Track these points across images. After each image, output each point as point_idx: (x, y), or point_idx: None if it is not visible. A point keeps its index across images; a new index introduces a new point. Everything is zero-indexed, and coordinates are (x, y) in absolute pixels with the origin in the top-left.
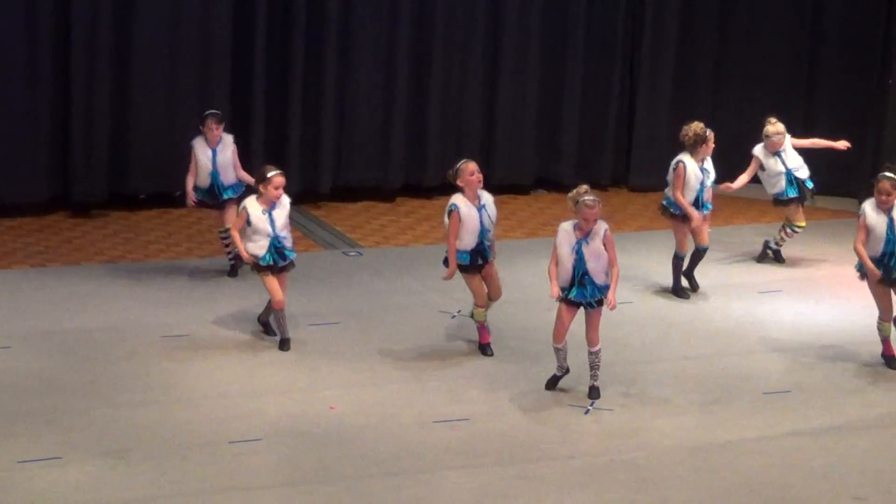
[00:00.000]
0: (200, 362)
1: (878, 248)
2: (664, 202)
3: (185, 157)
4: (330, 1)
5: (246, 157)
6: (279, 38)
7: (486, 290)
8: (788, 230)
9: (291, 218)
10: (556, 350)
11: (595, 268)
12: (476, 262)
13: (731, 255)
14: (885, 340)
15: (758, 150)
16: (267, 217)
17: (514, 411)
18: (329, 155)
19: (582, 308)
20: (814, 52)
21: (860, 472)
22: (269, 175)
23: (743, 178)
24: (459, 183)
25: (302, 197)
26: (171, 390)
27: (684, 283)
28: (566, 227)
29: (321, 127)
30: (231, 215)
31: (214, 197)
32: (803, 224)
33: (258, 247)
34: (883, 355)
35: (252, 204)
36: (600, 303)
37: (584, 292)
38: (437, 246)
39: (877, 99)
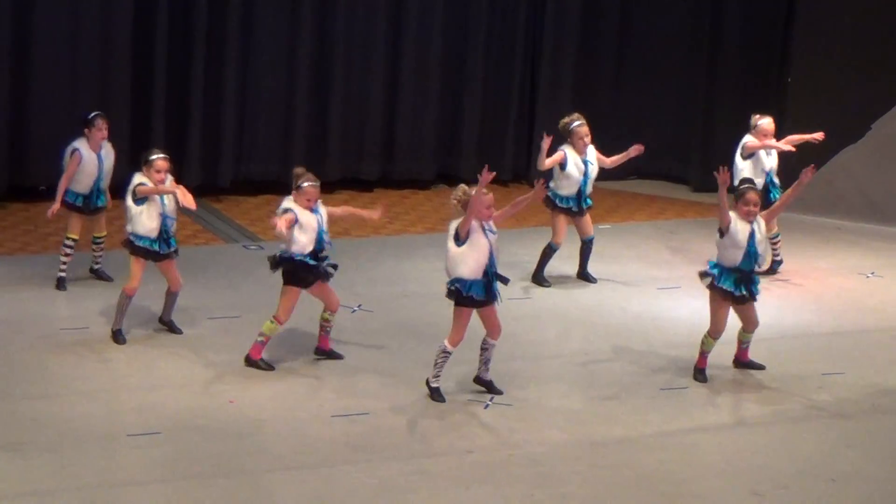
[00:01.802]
0: (98, 355)
1: (737, 257)
2: (549, 193)
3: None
4: None
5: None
6: (180, 30)
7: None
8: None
9: (192, 211)
10: (448, 355)
11: (498, 258)
12: (308, 271)
13: (629, 250)
14: (704, 354)
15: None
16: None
17: (414, 406)
18: (229, 148)
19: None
20: (714, 51)
21: (757, 468)
22: (152, 158)
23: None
24: (295, 196)
25: (202, 190)
26: (68, 383)
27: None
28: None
29: (221, 119)
30: (104, 222)
31: (89, 204)
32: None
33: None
34: (697, 367)
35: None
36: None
37: (495, 286)
38: (340, 240)
39: (776, 98)
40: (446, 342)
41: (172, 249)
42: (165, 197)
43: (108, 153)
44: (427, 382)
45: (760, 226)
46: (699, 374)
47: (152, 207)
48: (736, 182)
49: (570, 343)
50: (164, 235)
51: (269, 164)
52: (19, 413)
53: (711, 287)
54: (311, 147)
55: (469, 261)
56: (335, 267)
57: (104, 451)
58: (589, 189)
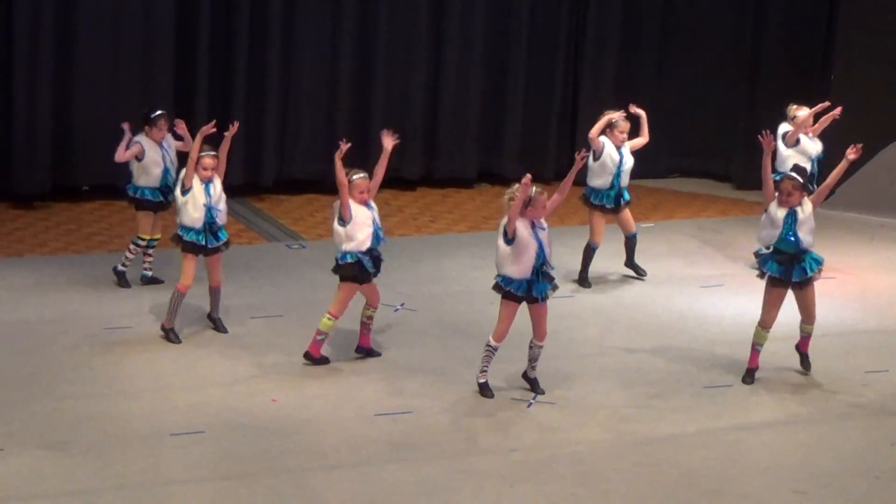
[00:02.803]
0: (142, 354)
1: (773, 237)
2: (585, 190)
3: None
4: None
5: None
6: (223, 29)
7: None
8: None
9: (235, 211)
10: (493, 351)
11: (549, 254)
12: (364, 267)
13: (672, 249)
14: (756, 349)
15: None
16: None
17: (457, 405)
18: (272, 147)
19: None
20: (757, 47)
21: (800, 466)
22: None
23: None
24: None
25: (245, 189)
26: (112, 382)
27: (635, 272)
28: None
29: (264, 119)
30: (159, 224)
31: (161, 198)
32: None
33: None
34: (748, 367)
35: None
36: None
37: (541, 286)
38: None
39: (819, 94)
40: (490, 337)
41: (222, 242)
42: (211, 187)
43: (171, 146)
44: (476, 379)
45: (805, 209)
46: (748, 376)
47: (197, 197)
48: (783, 170)
49: (613, 341)
50: (210, 227)
51: (311, 163)
52: (63, 412)
53: (761, 274)
54: (354, 146)
55: (517, 260)
56: (381, 261)
57: (147, 451)
58: (624, 182)
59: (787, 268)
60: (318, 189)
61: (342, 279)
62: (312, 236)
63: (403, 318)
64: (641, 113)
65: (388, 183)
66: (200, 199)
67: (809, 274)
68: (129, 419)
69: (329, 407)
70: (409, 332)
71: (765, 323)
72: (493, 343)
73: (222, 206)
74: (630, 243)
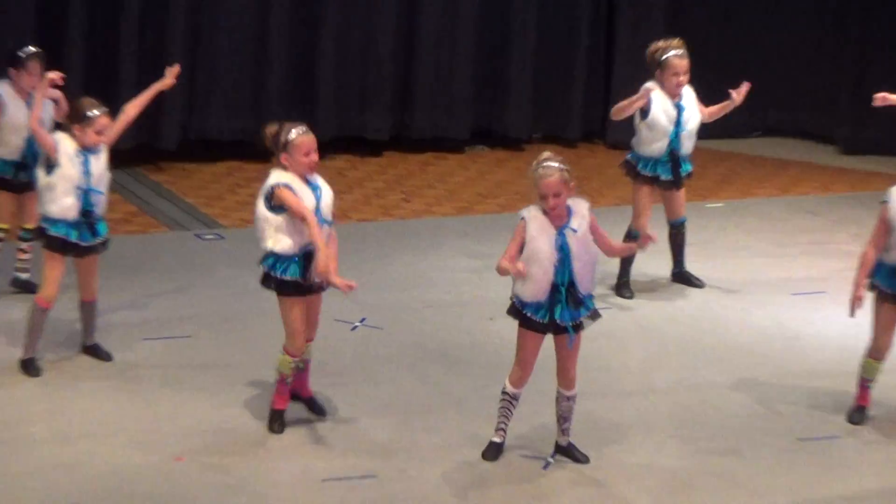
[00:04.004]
0: None
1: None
2: (629, 156)
3: None
4: None
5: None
6: None
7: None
8: None
9: (123, 186)
10: (510, 400)
11: (583, 270)
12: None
13: (750, 239)
14: (864, 389)
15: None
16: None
17: (439, 464)
18: (176, 96)
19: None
20: None
21: None
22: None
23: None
24: (284, 160)
25: (136, 155)
26: None
27: (681, 274)
28: (535, 213)
29: (165, 55)
30: (34, 209)
31: (19, 175)
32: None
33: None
34: (856, 404)
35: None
36: (580, 326)
37: (568, 311)
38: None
39: None
40: (506, 380)
41: (99, 240)
42: (93, 161)
43: (46, 103)
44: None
45: None
46: (856, 413)
47: (68, 175)
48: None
49: (663, 373)
50: (87, 217)
51: (233, 118)
52: None
53: (871, 287)
54: (294, 94)
55: (529, 275)
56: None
57: None
58: (685, 148)
59: None
60: (241, 154)
61: (279, 294)
62: (233, 222)
63: (364, 340)
64: (736, 98)
65: (342, 144)
66: (74, 177)
67: None
68: None
69: (259, 468)
70: (371, 359)
71: (877, 352)
72: (508, 389)
73: (104, 186)
74: (678, 236)
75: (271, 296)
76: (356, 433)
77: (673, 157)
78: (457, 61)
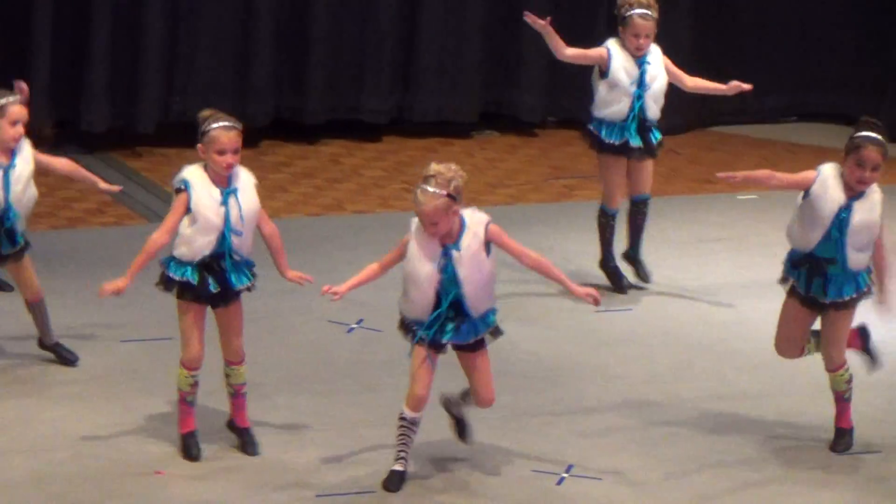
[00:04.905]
0: None
1: (810, 238)
2: (591, 125)
3: None
4: None
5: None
6: None
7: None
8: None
9: (97, 171)
10: (409, 426)
11: (474, 292)
12: (205, 286)
13: (777, 226)
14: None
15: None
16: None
17: (442, 478)
18: (153, 71)
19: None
20: None
21: None
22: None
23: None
24: (201, 151)
25: (112, 139)
26: None
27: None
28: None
29: (143, 30)
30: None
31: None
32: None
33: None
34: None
35: None
36: (480, 344)
37: (459, 332)
38: (327, 217)
39: None
40: (403, 404)
41: (18, 247)
42: (11, 174)
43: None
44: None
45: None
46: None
47: None
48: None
49: (690, 382)
50: (4, 229)
51: (217, 96)
52: None
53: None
54: (283, 72)
55: (406, 292)
56: (248, 276)
57: None
58: (652, 112)
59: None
60: None
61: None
62: None
63: (362, 344)
64: (728, 91)
65: (335, 128)
66: None
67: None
68: None
69: (247, 485)
70: (369, 364)
71: (788, 349)
72: (407, 413)
73: (24, 205)
74: (639, 216)
75: (261, 295)
76: (353, 445)
77: (640, 122)
78: (464, 36)
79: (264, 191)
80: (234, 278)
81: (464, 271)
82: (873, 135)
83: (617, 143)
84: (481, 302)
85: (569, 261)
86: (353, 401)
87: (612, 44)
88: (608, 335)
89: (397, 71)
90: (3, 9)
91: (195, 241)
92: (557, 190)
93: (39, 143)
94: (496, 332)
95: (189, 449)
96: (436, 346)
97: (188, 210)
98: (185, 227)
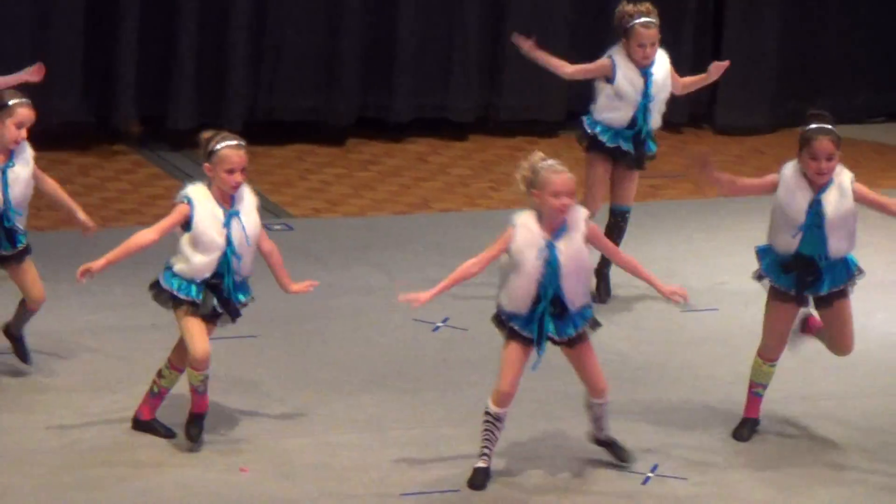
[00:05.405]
0: (34, 395)
1: (791, 240)
2: (586, 122)
3: None
4: None
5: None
6: None
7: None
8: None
9: (179, 168)
10: (494, 422)
11: (572, 286)
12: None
13: (873, 238)
14: (754, 395)
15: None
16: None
17: (528, 476)
18: (240, 69)
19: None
20: None
21: None
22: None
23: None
24: (208, 170)
25: (194, 137)
26: None
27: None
28: (526, 220)
29: (227, 28)
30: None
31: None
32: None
33: None
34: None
35: None
36: (582, 337)
37: (559, 324)
38: (414, 216)
39: None
40: (489, 398)
41: (19, 248)
42: (9, 174)
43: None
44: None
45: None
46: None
47: None
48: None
49: (775, 382)
50: (3, 228)
51: (303, 96)
52: None
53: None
54: (370, 71)
55: (506, 284)
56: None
57: None
58: (654, 122)
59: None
60: (312, 137)
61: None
62: (304, 211)
63: (447, 343)
64: (713, 73)
65: (419, 127)
66: None
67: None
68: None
69: (329, 479)
70: (454, 363)
71: (773, 353)
72: (491, 408)
73: (24, 205)
74: (616, 228)
75: (343, 293)
76: (437, 443)
77: (637, 130)
78: (551, 35)
79: (350, 189)
80: (237, 297)
81: (566, 264)
82: (823, 125)
83: (610, 145)
84: (579, 297)
85: (653, 262)
86: (438, 399)
87: (616, 52)
88: (695, 335)
89: (484, 69)
90: (90, 8)
91: (194, 260)
92: (643, 189)
93: (126, 140)
94: (595, 324)
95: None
96: (536, 343)
97: (188, 227)
98: (185, 243)
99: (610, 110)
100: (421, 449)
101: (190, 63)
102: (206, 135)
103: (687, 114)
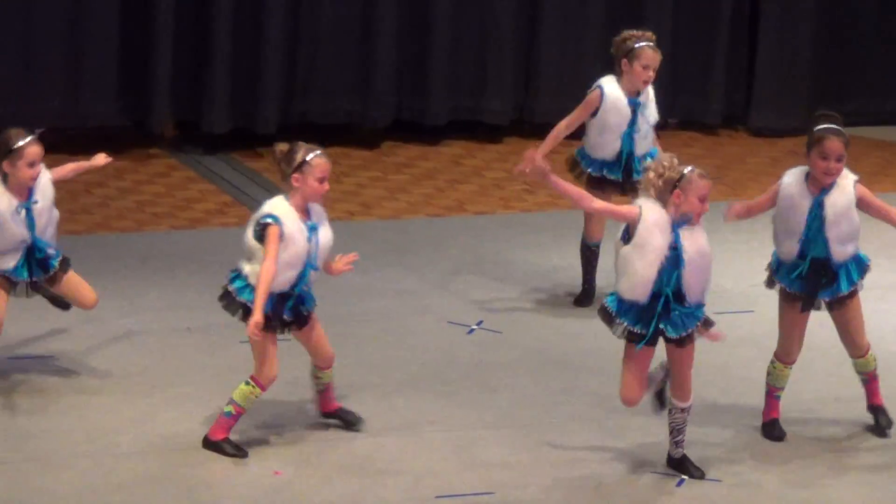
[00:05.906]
0: (70, 398)
1: (794, 245)
2: (577, 151)
3: None
4: None
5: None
6: None
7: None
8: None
9: (216, 172)
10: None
11: (693, 278)
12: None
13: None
14: (774, 399)
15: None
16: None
17: (562, 481)
18: (274, 74)
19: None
20: None
21: None
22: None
23: None
24: (296, 181)
25: (232, 140)
26: (22, 443)
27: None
28: (654, 205)
29: (263, 31)
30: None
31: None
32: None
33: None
34: (765, 422)
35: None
36: (690, 338)
37: (674, 323)
38: (448, 219)
39: None
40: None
41: (52, 272)
42: (35, 209)
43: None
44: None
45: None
46: (774, 428)
47: (9, 233)
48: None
49: (811, 384)
50: (35, 259)
51: (336, 99)
52: None
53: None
54: (404, 73)
55: (632, 270)
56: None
57: None
58: (640, 148)
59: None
60: (346, 139)
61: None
62: (338, 213)
63: (481, 345)
64: None
65: (456, 129)
66: (17, 235)
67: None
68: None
69: (365, 483)
70: (489, 366)
71: (790, 356)
72: (677, 404)
73: (51, 232)
74: (591, 257)
75: (376, 296)
76: (471, 446)
77: (625, 159)
78: (585, 38)
79: (385, 192)
80: (305, 307)
81: (691, 251)
82: (833, 126)
83: (596, 175)
84: (696, 292)
85: None
86: (473, 402)
87: (605, 82)
88: (730, 337)
89: (518, 72)
90: (125, 11)
91: (279, 274)
92: None
93: (160, 144)
94: (707, 323)
95: (237, 448)
96: (649, 341)
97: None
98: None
99: (600, 147)
100: (455, 451)
101: (225, 66)
102: (283, 147)
103: (721, 115)
